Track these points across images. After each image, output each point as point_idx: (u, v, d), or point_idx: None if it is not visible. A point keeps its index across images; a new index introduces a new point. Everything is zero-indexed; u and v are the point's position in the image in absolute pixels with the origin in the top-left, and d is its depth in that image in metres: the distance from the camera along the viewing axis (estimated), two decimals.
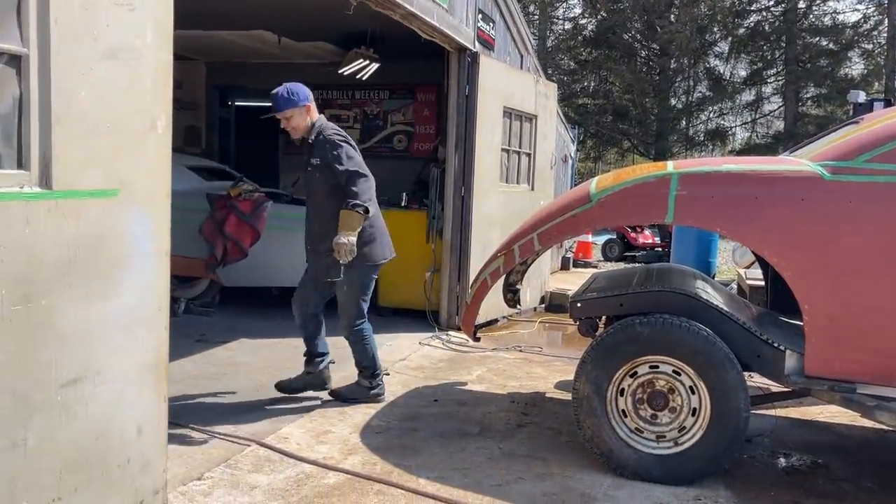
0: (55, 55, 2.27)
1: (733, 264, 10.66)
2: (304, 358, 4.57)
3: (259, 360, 5.38)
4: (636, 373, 3.54)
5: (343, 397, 4.50)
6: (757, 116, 25.84)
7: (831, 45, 23.36)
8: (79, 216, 2.40)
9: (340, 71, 8.07)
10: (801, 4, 23.48)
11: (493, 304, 5.72)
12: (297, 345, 5.82)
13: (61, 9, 2.28)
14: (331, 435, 3.97)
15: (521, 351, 6.08)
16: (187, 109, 9.40)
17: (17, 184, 2.22)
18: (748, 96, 25.63)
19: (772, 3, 23.85)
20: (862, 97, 8.83)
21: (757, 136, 26.24)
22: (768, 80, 25.18)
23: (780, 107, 25.01)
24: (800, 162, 3.55)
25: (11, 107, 2.21)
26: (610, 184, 3.76)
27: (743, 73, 25.86)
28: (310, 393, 4.60)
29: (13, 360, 2.20)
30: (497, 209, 6.99)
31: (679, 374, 3.47)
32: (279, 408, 4.38)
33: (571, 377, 5.26)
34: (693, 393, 3.46)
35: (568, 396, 4.84)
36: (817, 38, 23.57)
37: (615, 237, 13.70)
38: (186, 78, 9.23)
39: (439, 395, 4.78)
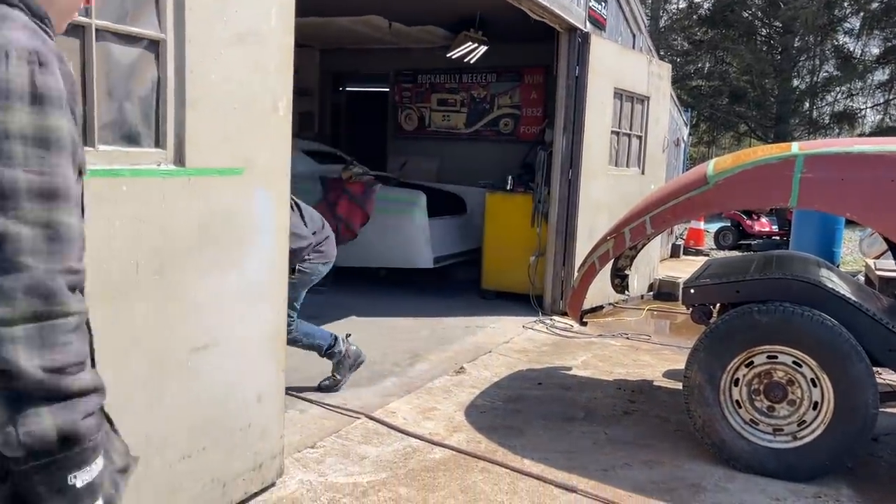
0: (189, 40, 2.41)
1: (860, 254, 9.99)
2: (326, 357, 4.31)
3: (367, 337, 5.52)
4: (752, 362, 3.39)
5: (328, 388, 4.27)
6: (891, 97, 24.00)
7: None
8: (208, 193, 2.55)
9: (449, 54, 8.11)
10: None
11: (598, 289, 5.63)
12: (401, 324, 5.98)
13: None
14: (436, 412, 4.04)
15: (627, 338, 5.96)
16: (302, 95, 9.73)
17: (155, 161, 2.38)
18: (881, 76, 23.85)
19: None
20: None
21: (890, 118, 24.40)
22: None
23: None
24: None
25: (150, 89, 2.37)
26: (729, 166, 3.61)
27: (875, 51, 24.07)
28: (418, 370, 4.70)
29: (150, 326, 2.37)
30: (605, 193, 6.85)
31: (800, 366, 3.30)
32: (387, 383, 4.50)
33: (681, 366, 5.14)
34: (815, 386, 3.28)
35: (677, 386, 4.72)
36: None
37: (729, 224, 13.12)
38: (302, 64, 9.53)
39: (543, 378, 4.76)
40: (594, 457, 3.52)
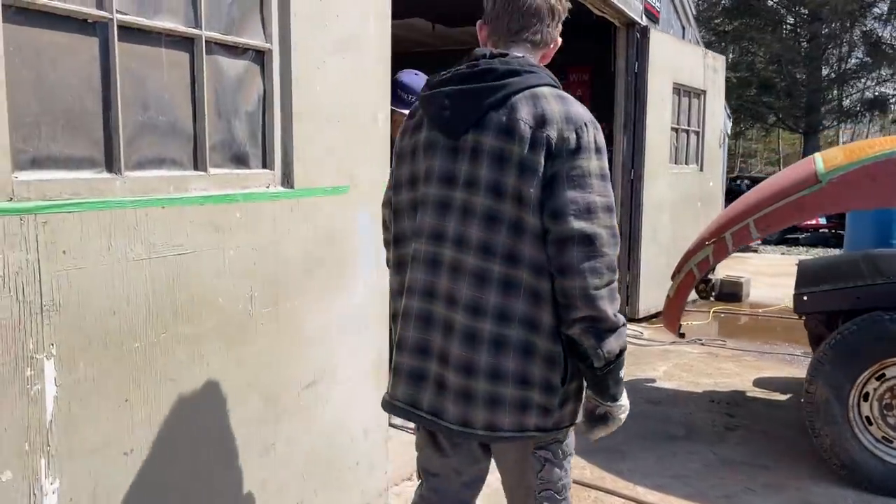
0: (294, 49, 2.20)
1: None
2: None
3: None
4: (884, 375, 3.13)
5: None
6: None
7: None
8: (316, 215, 2.34)
9: None
10: None
11: (659, 295, 5.38)
12: None
13: (300, 1, 2.20)
14: None
15: (702, 344, 5.69)
16: None
17: (264, 183, 2.17)
18: None
19: None
20: None
21: None
22: None
23: None
24: None
25: (256, 104, 2.17)
26: (842, 162, 3.35)
27: None
28: None
29: (264, 364, 2.17)
30: (667, 192, 6.59)
31: None
32: None
33: (767, 374, 4.91)
34: None
35: (772, 396, 4.47)
36: None
37: None
38: None
39: (628, 392, 4.48)
40: (711, 481, 3.27)
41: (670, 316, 4.05)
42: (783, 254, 12.01)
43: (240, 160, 2.12)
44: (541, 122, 1.52)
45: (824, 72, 23.64)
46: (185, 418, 1.91)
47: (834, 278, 3.56)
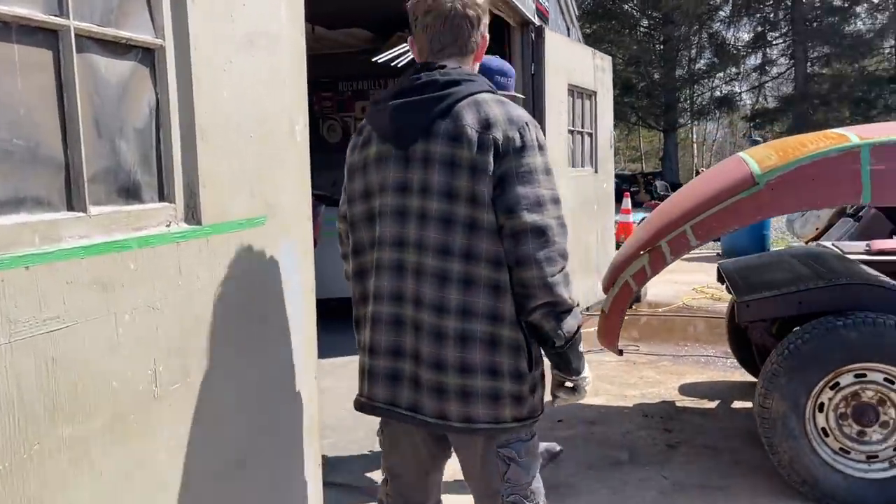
0: (194, 46, 1.71)
1: (792, 237, 10.14)
2: None
3: (343, 383, 4.80)
4: (838, 384, 3.01)
5: None
6: (765, 80, 25.31)
7: (837, 1, 22.84)
8: (228, 255, 1.85)
9: (377, 58, 7.47)
10: None
11: None
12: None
13: None
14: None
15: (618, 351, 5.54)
16: None
17: (164, 221, 1.66)
18: (755, 60, 25.10)
19: None
20: None
21: (766, 100, 25.77)
22: (774, 43, 24.65)
23: (788, 69, 24.49)
24: None
25: (148, 118, 1.65)
26: (778, 162, 3.21)
27: (746, 37, 25.32)
28: None
29: (175, 455, 1.65)
30: (568, 196, 6.41)
31: (893, 383, 2.95)
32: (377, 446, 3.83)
33: (689, 380, 4.81)
34: None
35: (700, 404, 4.35)
36: None
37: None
38: None
39: (559, 413, 4.24)
40: None
41: (608, 332, 3.79)
42: None
43: (130, 193, 1.60)
44: (486, 125, 1.61)
45: (678, 72, 24.98)
46: None
47: (772, 283, 3.44)
